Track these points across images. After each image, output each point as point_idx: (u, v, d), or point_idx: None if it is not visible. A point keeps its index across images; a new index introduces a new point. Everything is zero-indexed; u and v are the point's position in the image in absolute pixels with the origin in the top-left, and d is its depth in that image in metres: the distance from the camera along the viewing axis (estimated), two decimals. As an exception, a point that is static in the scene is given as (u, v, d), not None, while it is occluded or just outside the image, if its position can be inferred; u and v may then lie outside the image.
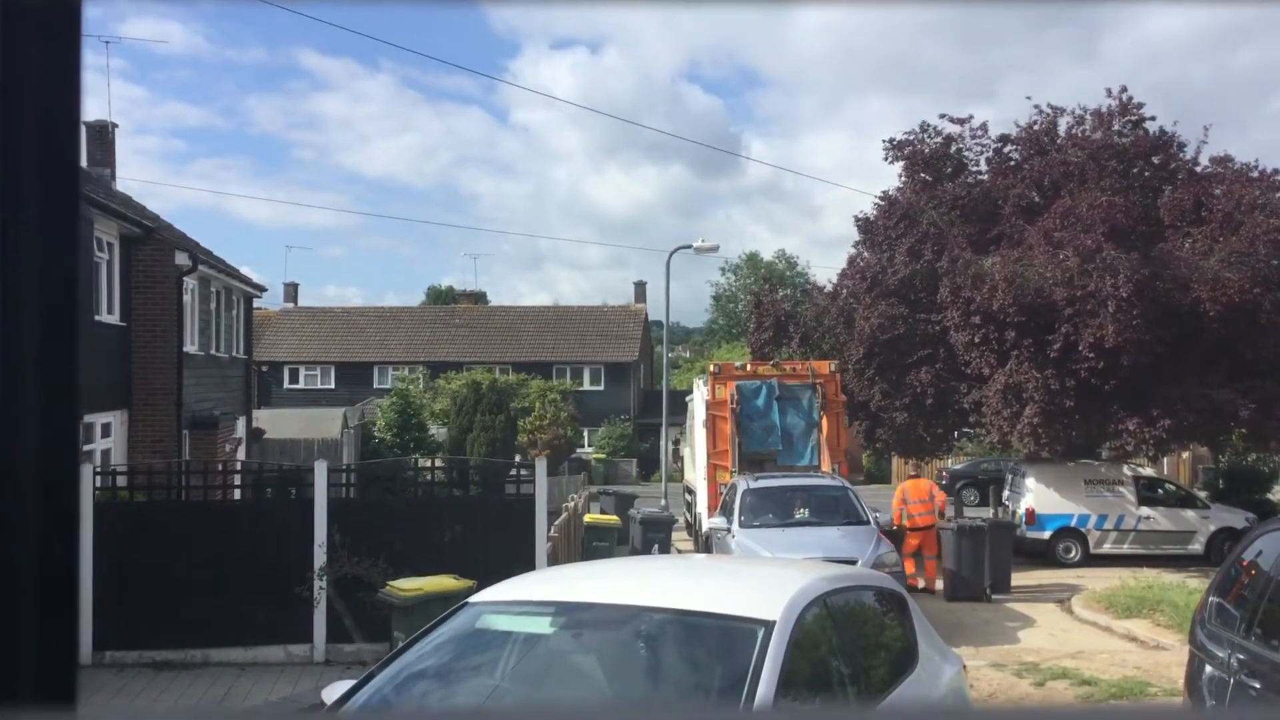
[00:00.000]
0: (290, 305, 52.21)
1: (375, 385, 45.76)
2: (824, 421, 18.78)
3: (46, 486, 0.70)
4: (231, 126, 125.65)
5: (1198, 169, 20.71)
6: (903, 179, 22.35)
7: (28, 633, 0.70)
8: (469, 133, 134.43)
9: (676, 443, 30.97)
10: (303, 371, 47.60)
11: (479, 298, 58.23)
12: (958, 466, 33.55)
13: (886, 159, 22.24)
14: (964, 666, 6.45)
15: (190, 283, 18.47)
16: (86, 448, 15.16)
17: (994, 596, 15.79)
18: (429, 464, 19.22)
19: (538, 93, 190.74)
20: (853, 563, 11.35)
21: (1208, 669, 6.29)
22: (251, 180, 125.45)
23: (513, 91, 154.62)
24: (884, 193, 22.36)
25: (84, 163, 19.38)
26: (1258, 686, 5.53)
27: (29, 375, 0.68)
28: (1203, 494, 22.91)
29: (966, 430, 23.15)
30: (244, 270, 23.79)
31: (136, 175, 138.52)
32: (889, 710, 4.79)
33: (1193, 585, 14.95)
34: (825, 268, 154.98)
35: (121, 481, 12.82)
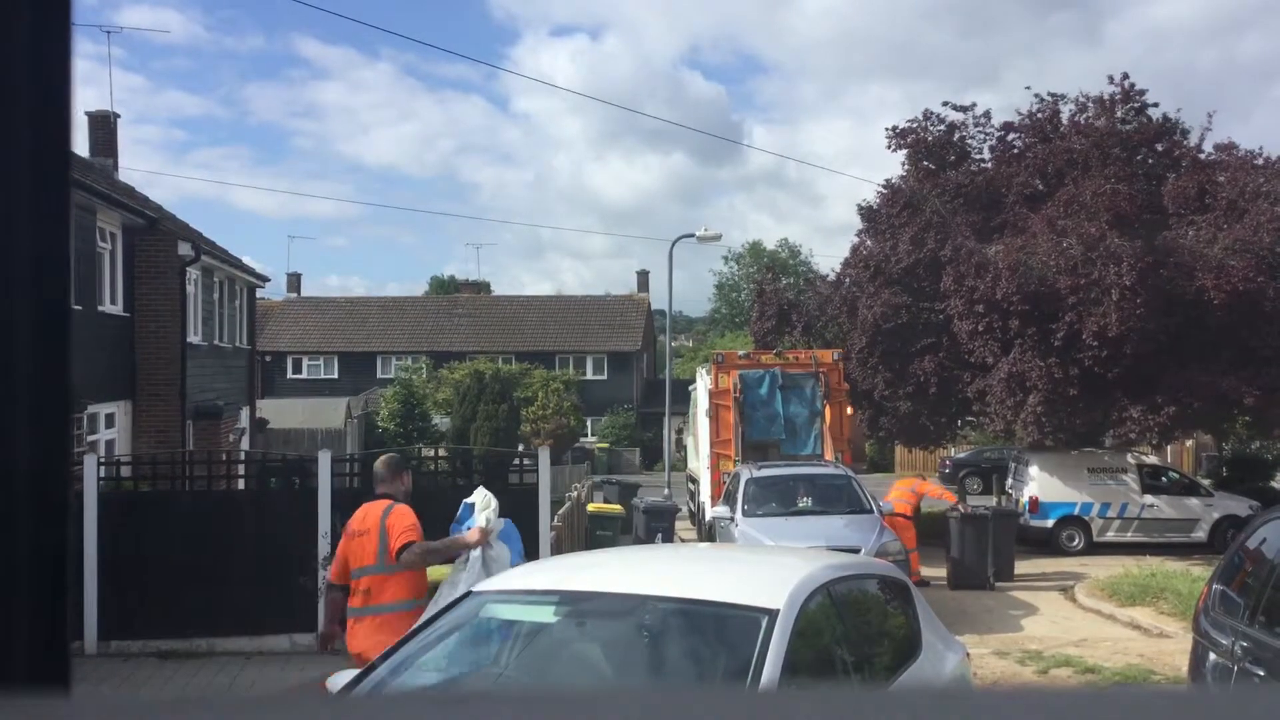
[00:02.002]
0: (293, 295, 52.20)
1: (378, 375, 45.79)
2: (827, 410, 18.79)
3: (38, 475, 0.69)
4: (231, 115, 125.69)
5: (1202, 156, 20.65)
6: (906, 167, 22.31)
7: (21, 621, 0.70)
8: (470, 121, 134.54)
9: (680, 432, 30.97)
10: (306, 361, 47.59)
11: (482, 287, 58.15)
12: (961, 455, 33.56)
13: (889, 147, 22.21)
14: (967, 654, 6.45)
15: (193, 273, 18.46)
16: (91, 438, 15.16)
17: (997, 584, 15.81)
18: (432, 454, 19.23)
19: (538, 80, 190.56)
20: (856, 551, 11.35)
21: (1211, 656, 6.30)
22: (253, 170, 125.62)
23: (513, 79, 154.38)
24: (887, 181, 22.33)
25: (86, 152, 19.30)
26: (1261, 674, 5.53)
27: (19, 364, 0.67)
28: (1206, 482, 22.92)
29: (970, 419, 23.15)
30: (246, 260, 23.77)
31: (138, 165, 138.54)
32: (893, 694, 4.79)
33: (1196, 573, 14.95)
34: (828, 256, 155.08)
35: (126, 472, 12.82)
